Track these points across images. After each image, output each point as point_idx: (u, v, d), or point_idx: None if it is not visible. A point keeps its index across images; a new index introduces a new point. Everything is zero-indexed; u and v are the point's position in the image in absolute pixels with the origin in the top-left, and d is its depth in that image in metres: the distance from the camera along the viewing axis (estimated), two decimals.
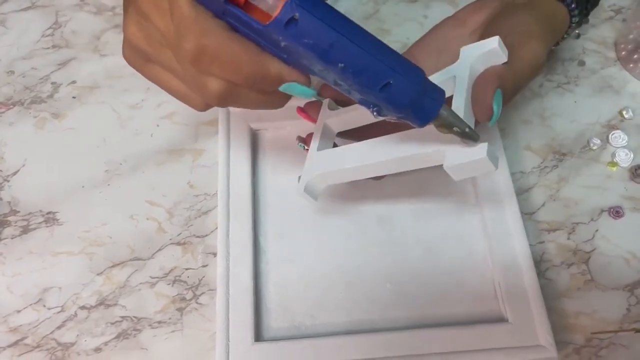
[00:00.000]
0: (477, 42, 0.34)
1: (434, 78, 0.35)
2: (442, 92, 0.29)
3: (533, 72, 0.35)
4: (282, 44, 0.26)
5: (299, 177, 0.40)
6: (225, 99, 0.29)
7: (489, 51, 0.33)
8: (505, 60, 0.33)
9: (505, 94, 0.33)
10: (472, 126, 0.32)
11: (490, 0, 0.40)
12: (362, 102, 0.29)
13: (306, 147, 0.41)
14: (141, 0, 0.28)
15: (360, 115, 0.39)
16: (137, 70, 0.33)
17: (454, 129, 0.30)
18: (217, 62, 0.27)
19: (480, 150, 0.30)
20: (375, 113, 0.29)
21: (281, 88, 0.29)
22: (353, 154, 0.37)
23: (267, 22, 0.26)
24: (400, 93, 0.27)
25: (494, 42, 0.33)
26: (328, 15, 0.26)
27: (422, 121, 0.29)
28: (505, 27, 0.36)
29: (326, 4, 0.26)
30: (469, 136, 0.30)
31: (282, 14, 0.25)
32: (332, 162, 0.38)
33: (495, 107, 0.32)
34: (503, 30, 0.36)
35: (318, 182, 0.39)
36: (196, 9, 0.26)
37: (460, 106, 0.32)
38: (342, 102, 0.40)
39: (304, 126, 0.43)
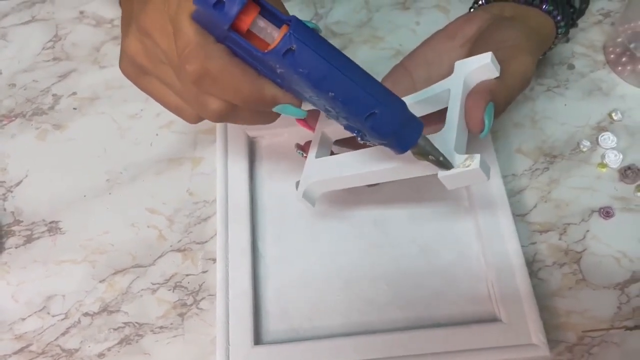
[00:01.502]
0: (471, 57, 0.35)
1: (429, 90, 0.37)
2: (421, 123, 0.31)
3: (523, 85, 0.37)
4: (279, 70, 0.28)
5: (296, 183, 0.41)
6: (222, 117, 0.30)
7: (482, 66, 0.34)
8: (498, 75, 0.34)
9: (498, 107, 0.35)
10: (466, 137, 0.34)
11: (479, 14, 0.41)
12: (348, 128, 0.31)
13: (304, 154, 0.42)
14: (144, 19, 0.30)
15: None
16: (133, 82, 0.34)
17: (430, 157, 0.31)
18: (218, 84, 0.28)
19: (474, 161, 0.32)
20: (359, 138, 0.31)
21: (275, 109, 0.30)
22: (350, 162, 0.38)
23: (266, 51, 0.27)
24: (383, 122, 0.29)
25: (487, 58, 0.34)
26: (322, 48, 0.28)
27: (402, 148, 0.31)
28: (494, 41, 0.37)
29: (321, 37, 0.28)
30: (443, 164, 0.32)
31: (281, 44, 0.27)
32: (330, 170, 0.39)
33: (486, 121, 0.33)
34: (492, 44, 0.37)
35: (316, 188, 0.40)
36: (200, 33, 0.27)
37: (454, 118, 0.34)
38: None
39: (300, 133, 0.45)
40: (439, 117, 0.36)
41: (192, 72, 0.28)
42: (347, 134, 0.41)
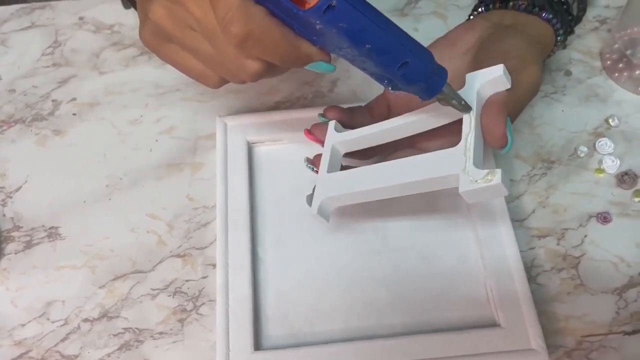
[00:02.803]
0: (482, 70, 0.35)
1: None
2: (446, 71, 0.33)
3: (532, 95, 0.37)
4: (318, 27, 0.29)
5: (307, 197, 0.41)
6: (260, 76, 0.32)
7: (494, 79, 0.35)
8: (509, 86, 0.35)
9: (510, 119, 0.35)
10: (482, 151, 0.35)
11: (480, 22, 0.41)
12: (378, 79, 0.32)
13: (315, 169, 0.42)
14: None
15: (366, 137, 0.40)
16: (154, 50, 0.34)
17: (453, 102, 0.33)
18: (260, 46, 0.29)
19: (495, 176, 0.32)
20: (389, 88, 0.32)
21: (308, 66, 0.31)
22: (366, 176, 0.38)
23: (307, 8, 0.28)
24: (414, 71, 0.31)
25: (499, 70, 0.34)
26: (359, 3, 0.29)
27: (430, 95, 0.33)
28: (498, 51, 0.38)
29: None
30: (464, 108, 0.34)
31: (322, 1, 0.28)
32: (345, 185, 0.39)
33: (508, 136, 0.34)
34: (496, 54, 0.37)
35: (330, 204, 0.40)
36: None
37: (470, 131, 0.34)
38: (347, 124, 0.42)
39: (299, 139, 0.45)
40: (451, 130, 0.36)
41: (237, 35, 0.28)
42: (357, 147, 0.41)
